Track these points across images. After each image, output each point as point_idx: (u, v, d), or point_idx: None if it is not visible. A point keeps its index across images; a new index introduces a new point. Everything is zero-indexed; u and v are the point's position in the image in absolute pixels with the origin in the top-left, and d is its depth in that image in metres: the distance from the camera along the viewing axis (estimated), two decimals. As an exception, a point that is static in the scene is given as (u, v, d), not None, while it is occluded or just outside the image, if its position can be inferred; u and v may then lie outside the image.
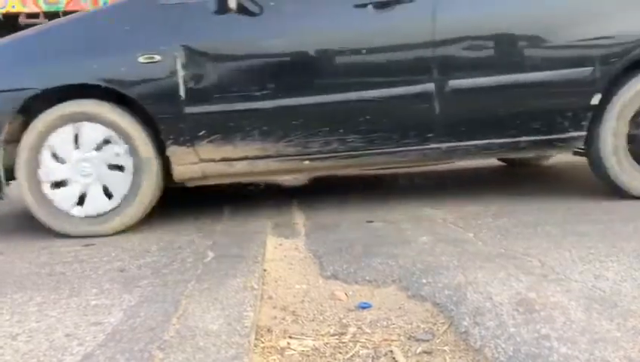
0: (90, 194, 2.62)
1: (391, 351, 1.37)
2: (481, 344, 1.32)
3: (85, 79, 2.59)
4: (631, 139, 2.71)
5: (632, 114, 2.69)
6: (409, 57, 2.66)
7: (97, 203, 2.62)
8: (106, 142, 2.61)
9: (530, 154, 3.19)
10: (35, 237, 2.68)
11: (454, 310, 1.51)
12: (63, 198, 2.61)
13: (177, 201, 3.65)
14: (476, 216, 2.57)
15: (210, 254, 2.13)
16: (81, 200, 2.62)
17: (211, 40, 2.66)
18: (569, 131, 2.70)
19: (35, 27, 3.02)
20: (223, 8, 2.57)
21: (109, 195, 2.63)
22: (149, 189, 2.63)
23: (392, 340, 1.43)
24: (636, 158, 2.72)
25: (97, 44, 2.67)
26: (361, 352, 1.38)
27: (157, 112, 2.61)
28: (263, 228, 2.58)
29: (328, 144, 2.69)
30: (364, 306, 1.66)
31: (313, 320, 1.59)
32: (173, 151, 2.65)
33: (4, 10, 7.90)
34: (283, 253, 2.24)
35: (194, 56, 2.60)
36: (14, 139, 2.63)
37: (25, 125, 2.62)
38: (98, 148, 2.61)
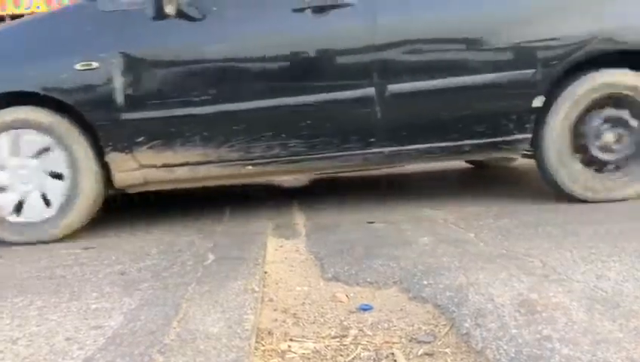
0: (29, 202, 2.62)
1: (392, 354, 1.36)
2: (482, 345, 1.31)
3: (23, 86, 2.59)
4: (575, 142, 2.70)
5: (575, 116, 2.68)
6: (349, 62, 2.66)
7: (35, 210, 2.62)
8: (45, 149, 2.61)
9: (476, 158, 3.17)
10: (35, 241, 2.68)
11: (456, 311, 1.51)
12: (0, 205, 2.61)
13: (178, 202, 3.65)
14: (477, 217, 2.56)
15: (211, 256, 2.13)
16: (19, 207, 2.62)
17: (150, 46, 2.66)
18: (514, 134, 2.69)
19: None
20: (161, 14, 2.57)
21: (47, 202, 2.62)
22: (89, 196, 2.63)
23: (394, 342, 1.42)
24: (581, 161, 2.71)
25: (37, 51, 2.67)
26: (362, 354, 1.37)
27: (95, 119, 2.60)
28: (264, 229, 2.58)
29: (270, 149, 2.68)
30: (365, 308, 1.65)
31: (314, 323, 1.59)
32: (113, 158, 2.65)
33: (29, 11, 7.98)
34: (284, 254, 2.23)
35: (132, 62, 2.60)
36: None
37: None
38: (37, 155, 2.61)
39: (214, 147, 2.66)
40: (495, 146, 2.74)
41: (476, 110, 2.68)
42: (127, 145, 2.63)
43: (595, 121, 2.69)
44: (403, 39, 2.63)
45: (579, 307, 1.43)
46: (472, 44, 2.66)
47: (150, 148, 2.64)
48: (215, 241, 2.38)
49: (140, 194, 2.92)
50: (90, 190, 2.63)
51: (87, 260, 2.23)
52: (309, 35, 2.65)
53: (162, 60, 2.67)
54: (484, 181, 3.76)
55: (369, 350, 1.39)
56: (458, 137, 2.71)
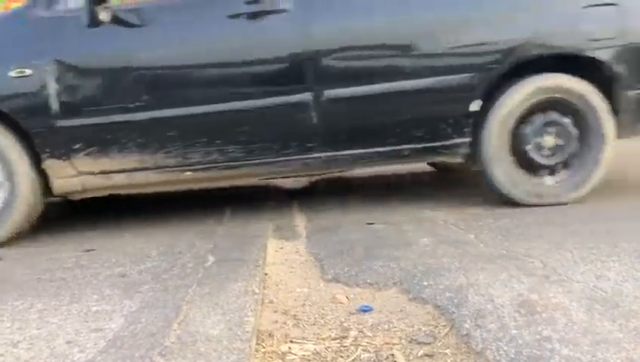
0: None
1: (392, 355, 1.37)
2: (482, 346, 1.31)
3: None
4: (515, 146, 2.70)
5: (514, 120, 2.68)
6: (284, 67, 2.64)
7: None
8: None
9: (417, 162, 3.17)
10: (35, 243, 2.69)
11: (456, 312, 1.51)
12: None
13: (178, 203, 3.66)
14: (477, 217, 2.57)
15: (211, 258, 2.13)
16: None
17: (84, 53, 2.66)
18: (452, 138, 2.70)
19: None
20: (95, 21, 2.57)
21: None
22: (27, 204, 2.64)
23: (394, 343, 1.43)
24: (522, 165, 2.71)
25: None
26: (362, 356, 1.38)
27: (31, 126, 2.61)
28: (264, 230, 2.58)
29: (208, 155, 2.69)
30: (366, 309, 1.65)
31: (314, 324, 1.59)
32: (50, 165, 2.65)
33: None
34: (284, 256, 2.24)
35: (67, 69, 2.60)
36: None
37: None
38: None
39: (151, 153, 2.67)
40: (434, 151, 2.74)
41: (414, 115, 2.68)
42: (64, 152, 2.64)
43: (534, 125, 2.69)
44: (339, 45, 2.63)
45: (579, 307, 1.43)
46: (407, 49, 2.65)
47: (87, 155, 2.65)
48: (215, 243, 2.39)
49: (140, 195, 2.93)
50: (27, 197, 2.63)
51: (88, 262, 2.23)
52: (244, 40, 2.64)
53: (97, 67, 2.67)
54: (484, 182, 3.75)
55: (369, 351, 1.40)
56: (397, 142, 2.71)
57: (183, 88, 2.65)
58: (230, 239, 2.45)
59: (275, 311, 1.69)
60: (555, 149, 2.69)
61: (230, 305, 1.59)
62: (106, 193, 2.92)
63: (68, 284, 1.94)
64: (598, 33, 2.62)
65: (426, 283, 1.73)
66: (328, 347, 1.44)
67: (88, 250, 2.44)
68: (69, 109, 2.61)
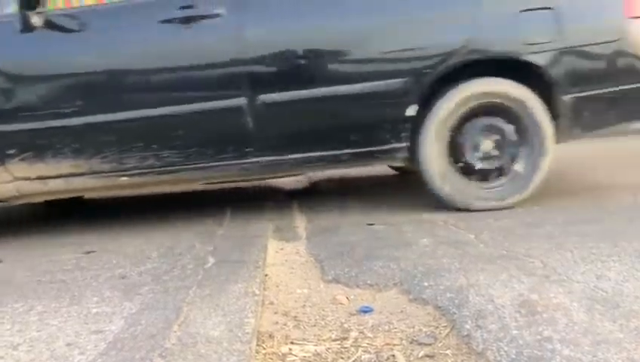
0: None
1: (393, 355, 1.36)
2: (483, 347, 1.31)
3: None
4: (454, 151, 2.70)
5: (451, 125, 2.67)
6: (218, 72, 2.64)
7: None
8: None
9: (356, 166, 3.17)
10: (35, 245, 2.69)
11: (456, 313, 1.51)
12: None
13: (178, 204, 3.66)
14: (477, 218, 2.56)
15: (211, 259, 2.13)
16: None
17: (18, 58, 2.65)
18: (390, 143, 2.69)
19: None
20: (28, 26, 2.56)
21: None
22: None
23: (394, 344, 1.43)
24: (461, 170, 2.71)
25: None
26: (363, 357, 1.37)
27: None
28: (264, 231, 2.58)
29: (144, 160, 2.68)
30: (366, 310, 1.65)
31: (315, 325, 1.59)
32: None
33: None
34: (284, 257, 2.23)
35: (1, 74, 2.60)
36: None
37: None
38: None
39: (86, 159, 2.67)
40: (372, 155, 2.73)
41: (350, 119, 2.67)
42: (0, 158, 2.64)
43: (472, 129, 2.69)
44: (272, 50, 2.62)
45: (579, 307, 1.43)
46: (341, 54, 2.65)
47: (22, 160, 2.65)
48: (215, 244, 2.38)
49: (140, 195, 2.93)
50: None
51: (88, 264, 2.23)
52: (178, 45, 2.63)
53: (31, 72, 2.67)
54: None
55: (370, 352, 1.39)
56: (335, 146, 2.71)
57: (118, 93, 2.64)
58: (230, 240, 2.45)
59: (276, 313, 1.69)
60: (494, 154, 2.69)
61: (230, 306, 1.59)
62: (42, 199, 2.92)
63: (68, 286, 1.94)
64: (533, 37, 2.61)
65: (426, 284, 1.73)
66: (329, 348, 1.44)
67: (88, 252, 2.44)
68: (4, 114, 2.62)
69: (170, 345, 1.35)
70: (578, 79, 2.64)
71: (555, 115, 2.68)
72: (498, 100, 2.66)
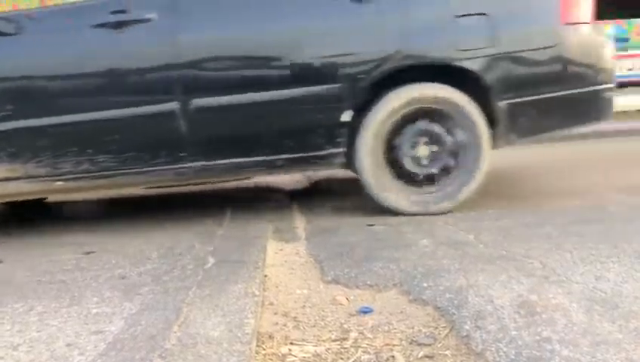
0: None
1: (393, 356, 1.37)
2: (482, 347, 1.32)
3: None
4: (389, 155, 2.71)
5: (387, 130, 2.68)
6: (151, 76, 2.64)
7: None
8: None
9: (292, 172, 3.16)
10: (35, 245, 2.69)
11: (456, 314, 1.51)
12: None
13: (178, 205, 3.66)
14: (477, 218, 2.57)
15: (211, 260, 2.13)
16: None
17: None
18: (325, 148, 2.69)
19: None
20: None
21: None
22: None
23: (394, 345, 1.43)
24: (397, 175, 2.72)
25: None
26: (362, 357, 1.38)
27: None
28: (264, 232, 2.58)
29: (80, 164, 2.69)
30: (366, 311, 1.65)
31: (314, 326, 1.59)
32: None
33: None
34: (284, 257, 2.24)
35: None
36: None
37: None
38: None
39: (21, 163, 2.68)
40: (308, 161, 2.73)
41: (284, 125, 2.68)
42: None
43: (408, 135, 2.70)
44: (204, 55, 2.63)
45: (578, 308, 1.43)
46: (273, 59, 2.66)
47: None
48: (215, 245, 2.39)
49: (140, 195, 2.93)
50: None
51: (88, 265, 2.23)
52: (111, 50, 2.64)
53: None
54: (484, 182, 3.76)
55: (369, 353, 1.40)
56: (270, 152, 2.71)
57: (51, 97, 2.64)
58: (230, 240, 2.45)
59: (275, 313, 1.69)
60: (430, 159, 2.70)
61: (230, 306, 1.59)
62: None
63: (68, 286, 1.94)
64: (467, 43, 2.61)
65: (426, 285, 1.73)
66: (328, 348, 1.44)
67: (88, 252, 2.44)
68: None
69: (170, 346, 1.35)
70: (513, 85, 2.65)
71: (492, 121, 2.68)
72: (435, 106, 2.66)
